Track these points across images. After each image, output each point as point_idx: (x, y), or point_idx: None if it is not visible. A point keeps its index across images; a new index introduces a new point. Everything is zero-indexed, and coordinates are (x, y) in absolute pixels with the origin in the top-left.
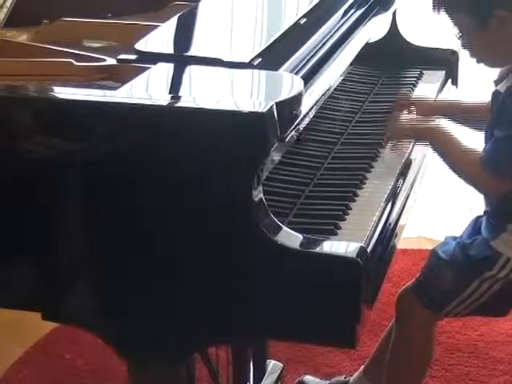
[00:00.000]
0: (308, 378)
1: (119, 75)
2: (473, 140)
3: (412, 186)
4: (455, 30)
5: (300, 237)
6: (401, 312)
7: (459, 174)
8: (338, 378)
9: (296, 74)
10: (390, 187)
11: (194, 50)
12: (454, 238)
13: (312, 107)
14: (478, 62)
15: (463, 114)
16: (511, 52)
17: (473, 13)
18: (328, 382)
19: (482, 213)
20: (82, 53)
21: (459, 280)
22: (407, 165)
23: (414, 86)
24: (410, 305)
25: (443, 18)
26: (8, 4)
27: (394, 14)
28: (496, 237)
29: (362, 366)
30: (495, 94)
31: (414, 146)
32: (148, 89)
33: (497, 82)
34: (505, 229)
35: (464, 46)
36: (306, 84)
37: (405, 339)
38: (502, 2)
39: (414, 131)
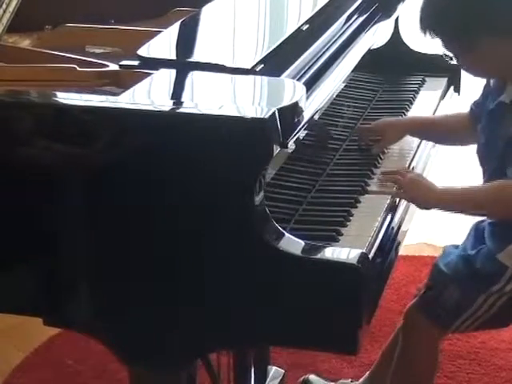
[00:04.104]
0: (313, 377)
1: (122, 81)
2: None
3: None
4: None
5: (302, 243)
6: (407, 328)
7: (492, 207)
8: (344, 381)
9: (298, 80)
10: (392, 193)
11: (197, 56)
12: (456, 247)
13: (314, 113)
14: (474, 75)
15: (426, 129)
16: (503, 68)
17: (456, 39)
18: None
19: (481, 218)
20: (85, 58)
21: (465, 296)
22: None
23: (417, 92)
24: (417, 322)
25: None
26: (11, 9)
27: (397, 20)
28: (502, 249)
29: (368, 373)
30: (499, 105)
31: (416, 153)
32: (150, 94)
33: (494, 89)
34: (511, 241)
35: (459, 64)
36: (308, 90)
37: (410, 354)
38: (485, 29)
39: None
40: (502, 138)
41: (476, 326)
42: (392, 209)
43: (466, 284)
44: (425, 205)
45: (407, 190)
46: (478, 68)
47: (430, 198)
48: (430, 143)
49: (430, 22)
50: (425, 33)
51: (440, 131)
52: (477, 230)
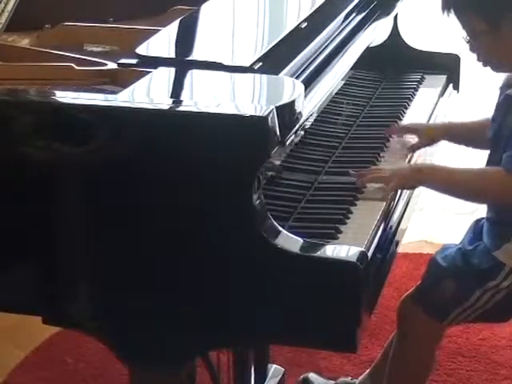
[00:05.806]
0: (313, 375)
1: (120, 79)
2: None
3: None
4: (464, 33)
5: (300, 241)
6: (402, 320)
7: (479, 194)
8: (344, 379)
9: (297, 78)
10: (384, 195)
11: (195, 54)
12: (454, 245)
13: (313, 111)
14: (485, 65)
15: (466, 133)
16: None
17: (481, 16)
18: (333, 382)
19: (481, 216)
20: (83, 57)
21: (461, 289)
22: None
23: (416, 90)
24: (411, 313)
25: (452, 20)
26: (9, 8)
27: (396, 18)
28: (499, 247)
29: (368, 370)
30: (506, 98)
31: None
32: (149, 93)
33: (503, 88)
34: (508, 239)
35: (472, 49)
36: (306, 88)
37: (405, 347)
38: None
39: (403, 182)
40: (507, 128)
41: (472, 318)
42: (391, 207)
43: (463, 278)
44: (416, 184)
45: (395, 181)
46: (495, 52)
47: (417, 177)
48: None
49: None
50: (448, 10)
51: (474, 136)
52: (476, 227)
